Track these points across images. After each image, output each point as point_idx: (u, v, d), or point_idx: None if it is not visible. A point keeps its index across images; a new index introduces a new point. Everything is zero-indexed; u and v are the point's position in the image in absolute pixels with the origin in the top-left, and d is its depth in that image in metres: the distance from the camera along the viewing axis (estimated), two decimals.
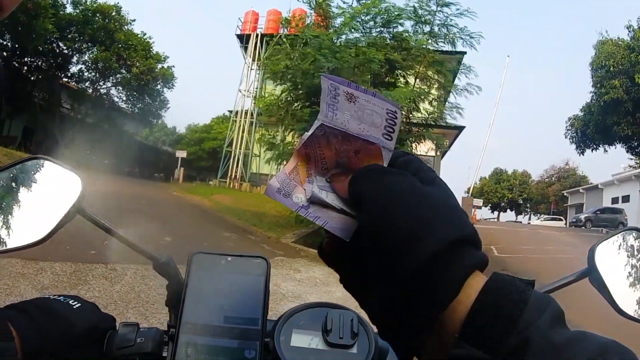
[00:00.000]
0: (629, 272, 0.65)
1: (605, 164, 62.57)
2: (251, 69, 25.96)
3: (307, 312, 0.70)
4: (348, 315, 0.68)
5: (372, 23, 10.23)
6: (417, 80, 10.76)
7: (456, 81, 11.41)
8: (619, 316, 0.63)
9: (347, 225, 0.41)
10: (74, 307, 0.62)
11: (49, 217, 0.60)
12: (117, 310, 4.08)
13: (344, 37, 9.98)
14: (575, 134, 34.60)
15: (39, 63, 25.30)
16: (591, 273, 0.63)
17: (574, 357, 0.30)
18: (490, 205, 62.24)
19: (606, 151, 33.88)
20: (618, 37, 29.65)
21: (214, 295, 0.60)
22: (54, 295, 0.63)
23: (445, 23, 10.10)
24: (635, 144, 31.36)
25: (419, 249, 0.34)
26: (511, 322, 0.32)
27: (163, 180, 31.59)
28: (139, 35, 26.78)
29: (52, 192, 0.62)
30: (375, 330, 0.65)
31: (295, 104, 10.61)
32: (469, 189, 24.31)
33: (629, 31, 28.04)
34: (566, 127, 35.67)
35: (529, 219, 60.89)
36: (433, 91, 11.15)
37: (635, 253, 0.67)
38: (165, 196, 18.19)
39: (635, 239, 0.68)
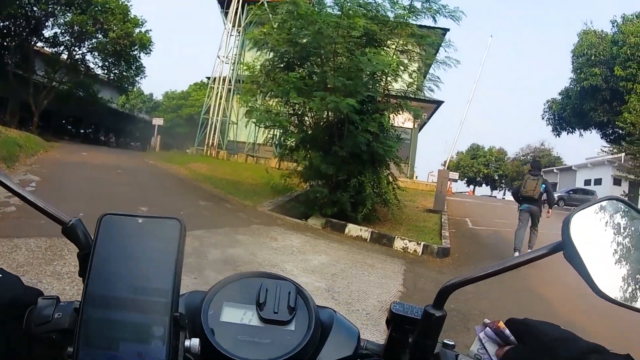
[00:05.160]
0: (609, 247, 0.57)
1: (580, 147, 64.06)
2: (231, 35, 25.38)
3: (241, 282, 0.64)
4: (286, 286, 0.62)
5: None
6: (397, 52, 10.72)
7: (437, 55, 11.40)
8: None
9: None
10: None
11: None
12: None
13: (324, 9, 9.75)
14: (552, 117, 35.62)
15: (12, 28, 24.29)
16: (566, 247, 0.55)
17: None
18: (466, 179, 63.35)
19: (581, 135, 35.11)
20: (602, 30, 30.37)
21: (122, 263, 0.52)
22: None
23: None
24: (610, 131, 32.31)
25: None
26: None
27: (139, 148, 31.09)
28: None
29: None
30: (317, 303, 0.62)
31: (276, 70, 10.51)
32: (445, 162, 24.68)
33: (613, 26, 28.65)
34: (544, 109, 36.77)
35: (504, 194, 62.17)
36: (413, 64, 11.12)
37: (616, 225, 0.59)
38: (141, 165, 17.93)
39: (615, 210, 0.60)
